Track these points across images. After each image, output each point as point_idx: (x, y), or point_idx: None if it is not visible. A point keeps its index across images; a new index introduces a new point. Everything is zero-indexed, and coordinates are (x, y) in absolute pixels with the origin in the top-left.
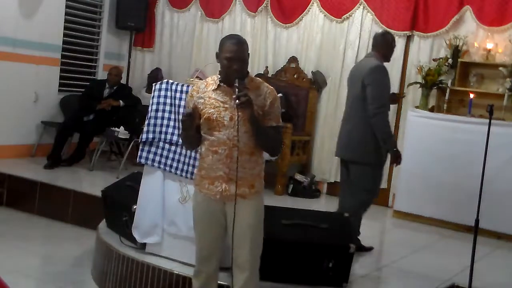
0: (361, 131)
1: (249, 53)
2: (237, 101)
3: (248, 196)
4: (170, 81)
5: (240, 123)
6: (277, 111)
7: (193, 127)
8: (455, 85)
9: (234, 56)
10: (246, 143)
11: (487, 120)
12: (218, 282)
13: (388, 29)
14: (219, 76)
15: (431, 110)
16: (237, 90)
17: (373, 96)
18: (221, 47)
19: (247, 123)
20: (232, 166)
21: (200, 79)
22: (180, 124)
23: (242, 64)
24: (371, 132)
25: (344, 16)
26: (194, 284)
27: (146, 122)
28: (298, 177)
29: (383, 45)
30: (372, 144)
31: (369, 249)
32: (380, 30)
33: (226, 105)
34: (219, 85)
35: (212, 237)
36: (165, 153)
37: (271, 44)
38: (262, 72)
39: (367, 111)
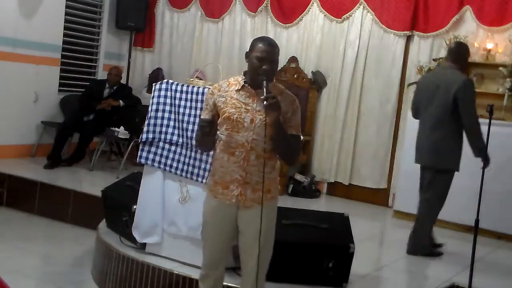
0: (452, 141)
1: (279, 55)
2: (265, 102)
3: (264, 201)
4: (170, 81)
5: (262, 126)
6: (298, 120)
7: (212, 134)
8: None
9: (265, 57)
10: (265, 147)
11: (487, 120)
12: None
13: (389, 30)
14: (244, 77)
15: None
16: (265, 91)
17: (470, 113)
18: (252, 47)
19: (270, 127)
20: (249, 169)
21: (200, 79)
22: (199, 129)
23: (273, 65)
24: (460, 142)
25: (344, 16)
26: (201, 287)
27: (146, 122)
28: (298, 177)
29: (459, 57)
30: (459, 153)
31: (439, 254)
32: (380, 30)
33: (248, 107)
34: (243, 86)
35: (224, 243)
36: (165, 153)
37: None
38: None
39: (464, 124)
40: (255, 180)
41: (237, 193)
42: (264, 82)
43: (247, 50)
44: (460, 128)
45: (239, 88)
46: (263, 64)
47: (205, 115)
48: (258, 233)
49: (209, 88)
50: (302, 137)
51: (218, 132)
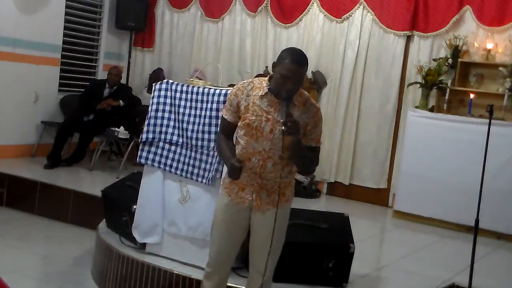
0: None
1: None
2: (283, 128)
3: (278, 204)
4: (170, 81)
5: (280, 138)
6: (319, 132)
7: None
8: (455, 85)
9: (290, 76)
10: (283, 156)
11: (487, 120)
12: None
13: (389, 30)
14: (268, 83)
15: (431, 110)
16: (285, 114)
17: None
18: (281, 60)
19: (288, 141)
20: (265, 176)
21: (200, 79)
22: (229, 168)
23: (297, 85)
24: None
25: (344, 16)
26: (206, 286)
27: (146, 122)
28: (298, 177)
29: None
30: None
31: None
32: (380, 30)
33: (269, 116)
34: (266, 93)
35: (233, 242)
36: (165, 153)
37: (271, 44)
38: (262, 72)
39: None
40: (270, 185)
41: (252, 198)
42: (284, 103)
43: (275, 61)
44: None
45: (263, 94)
46: (286, 83)
47: (228, 115)
48: (270, 234)
49: (232, 88)
50: (320, 146)
51: (237, 135)
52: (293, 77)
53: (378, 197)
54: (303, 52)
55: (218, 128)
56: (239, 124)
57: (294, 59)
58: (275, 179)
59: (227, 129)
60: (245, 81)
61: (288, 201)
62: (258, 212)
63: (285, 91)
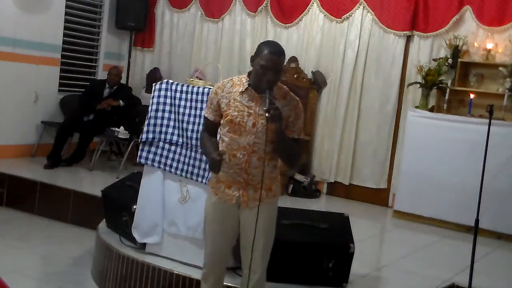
0: None
1: (284, 64)
2: (267, 114)
3: (265, 199)
4: (170, 81)
5: (263, 131)
6: (301, 123)
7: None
8: (455, 85)
9: (270, 66)
10: (267, 150)
11: (487, 120)
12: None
13: (389, 30)
14: (248, 79)
15: (431, 110)
16: (268, 101)
17: None
18: (258, 53)
19: (271, 133)
20: (251, 171)
21: (200, 79)
22: (209, 161)
23: (277, 75)
24: None
25: (344, 16)
26: (203, 287)
27: (146, 122)
28: (298, 177)
29: None
30: None
31: None
32: (380, 30)
33: (250, 111)
34: (246, 88)
35: (225, 240)
36: (165, 153)
37: None
38: None
39: None
40: (257, 181)
41: (239, 195)
42: (267, 92)
43: (253, 54)
44: None
45: (243, 90)
46: (267, 73)
47: (209, 114)
48: (259, 230)
49: (212, 87)
50: (303, 138)
51: (220, 133)
52: (272, 67)
53: (378, 197)
54: (280, 44)
55: (202, 128)
56: (221, 122)
57: (272, 50)
58: (261, 174)
59: (210, 128)
60: (225, 80)
61: (275, 196)
62: (246, 208)
63: (265, 81)
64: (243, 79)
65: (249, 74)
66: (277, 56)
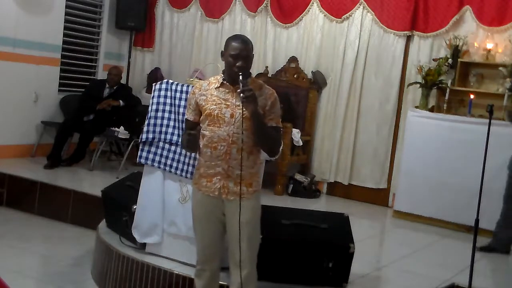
0: None
1: (253, 54)
2: (241, 95)
3: (246, 194)
4: (170, 81)
5: (241, 120)
6: (277, 112)
7: (196, 144)
8: (455, 85)
9: (239, 54)
10: (246, 141)
11: (487, 120)
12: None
13: (389, 29)
14: (222, 76)
15: (431, 110)
16: (241, 85)
17: None
18: (226, 46)
19: (249, 120)
20: (231, 163)
21: (200, 79)
22: (184, 140)
23: (247, 61)
24: None
25: (344, 16)
26: (197, 284)
27: (146, 122)
28: (298, 177)
29: None
30: None
31: None
32: (380, 30)
33: (227, 103)
34: (222, 83)
35: (213, 235)
36: (165, 153)
37: (271, 44)
38: (262, 72)
39: None
40: (236, 174)
41: (220, 186)
42: (240, 76)
43: (222, 50)
44: None
45: (218, 85)
46: (237, 61)
47: (189, 115)
48: (243, 223)
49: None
50: (282, 127)
51: (201, 128)
52: (241, 53)
53: (378, 197)
54: (243, 35)
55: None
56: (201, 118)
57: (239, 40)
58: (240, 166)
59: (191, 129)
60: (203, 81)
61: (256, 191)
62: (228, 202)
63: (237, 68)
64: (218, 77)
65: (223, 72)
66: (243, 44)
